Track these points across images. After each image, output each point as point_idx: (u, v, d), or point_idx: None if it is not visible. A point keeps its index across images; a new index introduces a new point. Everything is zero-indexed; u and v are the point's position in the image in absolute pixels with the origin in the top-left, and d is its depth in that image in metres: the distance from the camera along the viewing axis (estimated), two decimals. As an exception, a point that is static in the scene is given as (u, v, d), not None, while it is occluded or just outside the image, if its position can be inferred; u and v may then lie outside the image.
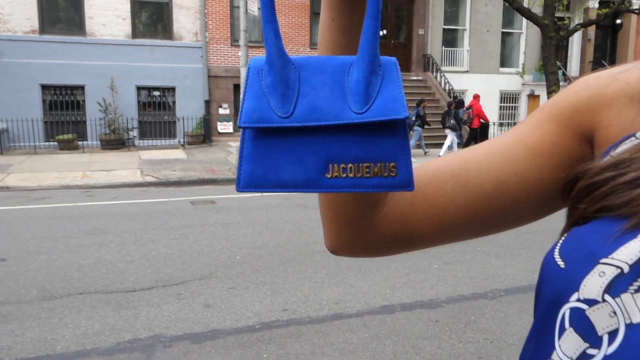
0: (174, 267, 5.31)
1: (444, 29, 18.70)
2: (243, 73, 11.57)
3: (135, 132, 15.60)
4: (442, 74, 17.82)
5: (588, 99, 0.52)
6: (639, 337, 0.38)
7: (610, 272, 0.40)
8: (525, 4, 16.77)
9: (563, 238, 0.47)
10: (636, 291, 0.39)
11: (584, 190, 0.47)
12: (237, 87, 15.71)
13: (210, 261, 5.49)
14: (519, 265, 5.36)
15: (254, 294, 4.61)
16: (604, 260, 0.41)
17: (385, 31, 18.20)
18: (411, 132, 13.97)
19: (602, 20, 15.39)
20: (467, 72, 18.83)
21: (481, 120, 14.40)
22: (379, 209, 0.58)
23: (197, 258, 5.59)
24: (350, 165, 0.42)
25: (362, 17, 0.48)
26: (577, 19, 19.14)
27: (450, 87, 17.53)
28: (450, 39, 19.07)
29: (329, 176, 0.42)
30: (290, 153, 0.41)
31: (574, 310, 0.42)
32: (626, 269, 0.39)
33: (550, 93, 14.18)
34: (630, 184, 0.43)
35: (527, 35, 19.55)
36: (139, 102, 15.80)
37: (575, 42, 20.34)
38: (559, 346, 0.43)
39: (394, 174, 0.42)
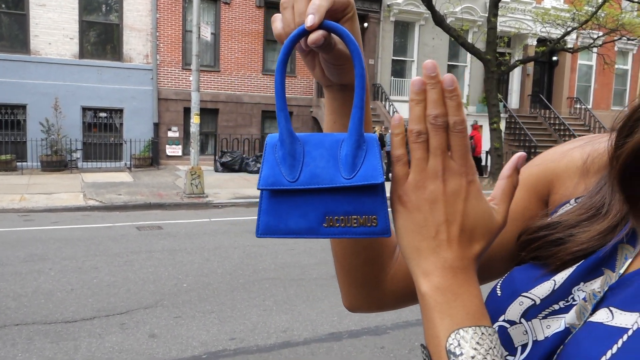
0: (118, 295, 5.15)
1: (393, 60, 19.30)
2: (194, 97, 11.51)
3: (78, 154, 15.12)
4: (390, 103, 18.31)
5: (545, 171, 0.67)
6: (540, 349, 0.53)
7: (527, 303, 0.56)
8: (469, 40, 17.58)
9: (507, 274, 0.62)
10: (543, 318, 0.55)
11: (524, 243, 0.62)
12: (187, 110, 15.53)
13: (156, 289, 5.37)
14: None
15: (201, 322, 4.54)
16: (524, 293, 0.57)
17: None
18: None
19: (540, 57, 16.34)
20: (414, 101, 19.42)
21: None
22: (387, 270, 0.69)
23: (143, 286, 5.46)
24: (341, 217, 0.53)
25: None
26: (517, 55, 20.19)
27: (399, 116, 17.99)
28: (399, 69, 19.69)
29: (325, 225, 0.53)
30: (296, 208, 0.53)
31: (500, 328, 0.58)
32: (538, 301, 0.56)
33: (492, 124, 14.82)
34: (554, 243, 0.58)
35: (471, 69, 20.43)
36: (84, 123, 15.38)
37: (515, 77, 21.41)
38: None
39: (375, 224, 0.53)
